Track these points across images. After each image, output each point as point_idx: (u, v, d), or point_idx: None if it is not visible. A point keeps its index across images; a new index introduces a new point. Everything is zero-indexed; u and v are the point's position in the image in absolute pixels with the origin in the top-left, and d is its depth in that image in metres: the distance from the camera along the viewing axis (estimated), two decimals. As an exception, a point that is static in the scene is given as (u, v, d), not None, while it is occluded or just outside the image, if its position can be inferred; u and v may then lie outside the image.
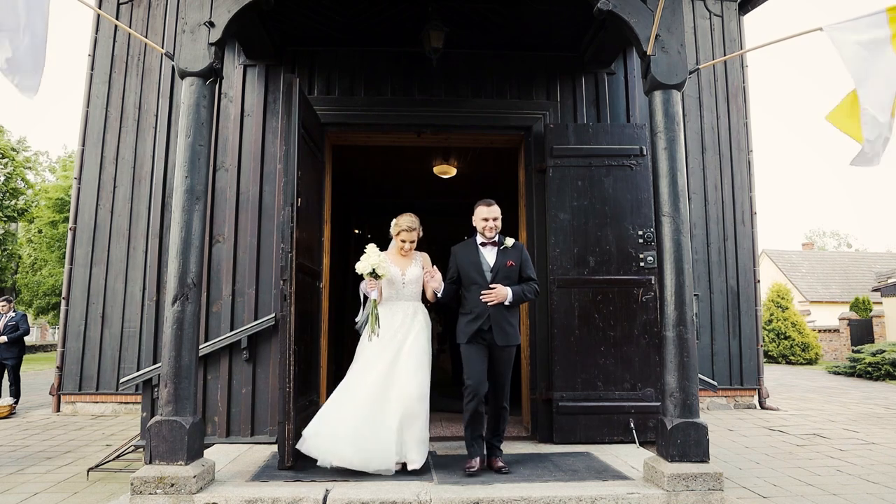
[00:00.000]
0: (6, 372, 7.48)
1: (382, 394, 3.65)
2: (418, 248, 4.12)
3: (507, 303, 3.73)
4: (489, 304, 3.71)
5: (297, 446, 3.70)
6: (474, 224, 3.95)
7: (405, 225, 3.99)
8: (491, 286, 3.74)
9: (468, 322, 3.77)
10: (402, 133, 5.41)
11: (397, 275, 3.93)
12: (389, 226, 4.11)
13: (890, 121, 3.32)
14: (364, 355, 3.82)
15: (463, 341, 3.78)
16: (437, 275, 3.89)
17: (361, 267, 3.78)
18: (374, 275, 3.79)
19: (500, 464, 3.70)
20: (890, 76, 3.27)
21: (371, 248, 3.84)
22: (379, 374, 3.69)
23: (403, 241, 4.01)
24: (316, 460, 3.59)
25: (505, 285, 3.74)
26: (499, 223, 3.88)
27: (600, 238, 4.81)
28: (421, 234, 4.06)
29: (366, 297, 3.97)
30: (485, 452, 3.75)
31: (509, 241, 3.89)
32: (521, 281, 3.86)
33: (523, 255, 3.91)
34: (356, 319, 4.10)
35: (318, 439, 3.60)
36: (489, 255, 3.85)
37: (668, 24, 3.71)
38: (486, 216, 3.85)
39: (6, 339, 7.40)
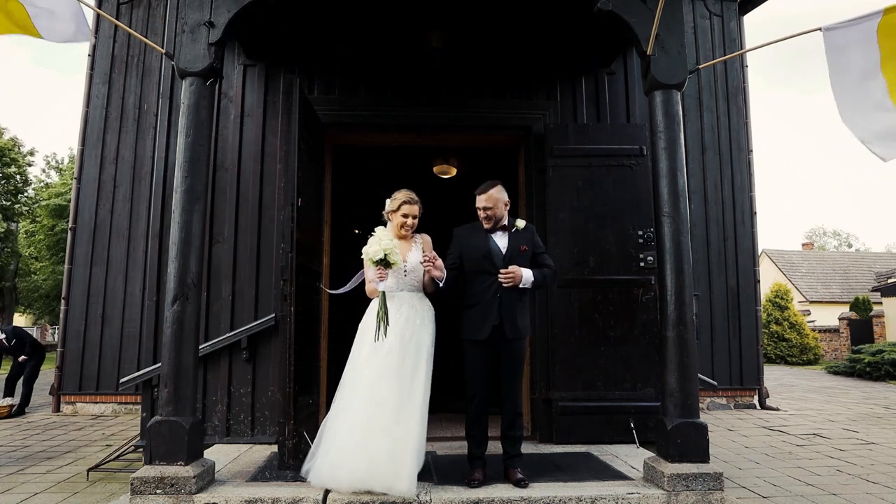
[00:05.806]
0: (23, 372, 7.43)
1: (396, 414, 3.17)
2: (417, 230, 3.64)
3: (522, 285, 3.33)
4: (504, 285, 3.30)
5: (303, 473, 3.31)
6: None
7: (405, 196, 3.50)
8: (510, 268, 3.32)
9: (475, 315, 3.38)
10: (403, 133, 5.41)
11: (398, 261, 3.39)
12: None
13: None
14: (369, 363, 3.28)
15: (469, 337, 3.41)
16: (438, 261, 3.34)
17: (372, 252, 3.24)
18: (385, 262, 3.25)
19: (520, 475, 3.34)
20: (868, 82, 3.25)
21: (381, 231, 3.35)
22: (392, 391, 3.21)
23: (405, 216, 3.50)
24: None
25: None
26: (497, 211, 3.44)
27: (600, 238, 4.81)
28: (421, 211, 3.60)
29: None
30: (484, 459, 3.43)
31: (520, 223, 3.51)
32: (534, 267, 3.46)
33: (535, 239, 3.53)
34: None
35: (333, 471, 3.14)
36: (500, 241, 3.43)
37: (667, 23, 3.70)
38: (479, 206, 3.47)
39: (25, 357, 7.42)
